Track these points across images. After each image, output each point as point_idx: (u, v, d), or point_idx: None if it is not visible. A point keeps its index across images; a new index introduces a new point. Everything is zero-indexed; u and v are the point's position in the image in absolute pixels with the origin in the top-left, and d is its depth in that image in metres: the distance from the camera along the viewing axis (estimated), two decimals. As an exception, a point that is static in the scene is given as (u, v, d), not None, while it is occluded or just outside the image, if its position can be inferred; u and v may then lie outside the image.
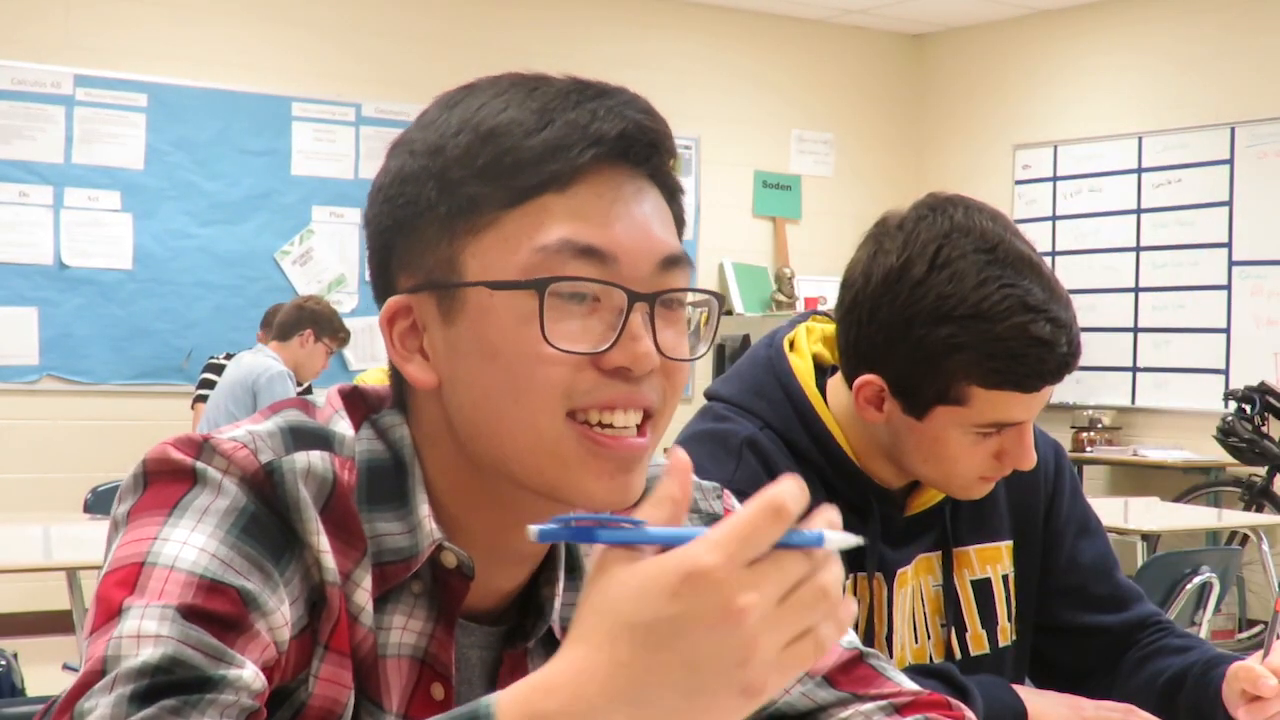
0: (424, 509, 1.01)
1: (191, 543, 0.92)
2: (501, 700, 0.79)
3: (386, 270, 1.03)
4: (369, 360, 7.33)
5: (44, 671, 4.49)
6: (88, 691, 0.85)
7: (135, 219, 7.02)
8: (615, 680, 0.76)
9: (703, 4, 8.56)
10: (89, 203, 6.93)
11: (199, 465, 0.96)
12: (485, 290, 0.97)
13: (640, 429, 0.99)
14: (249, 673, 0.89)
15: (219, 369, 6.51)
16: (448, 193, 0.99)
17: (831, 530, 0.77)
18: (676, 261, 1.01)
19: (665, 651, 0.75)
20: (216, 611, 0.90)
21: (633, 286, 0.97)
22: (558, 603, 1.08)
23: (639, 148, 1.00)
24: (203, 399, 6.50)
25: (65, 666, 4.63)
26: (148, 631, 0.87)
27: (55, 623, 5.75)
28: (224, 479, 0.95)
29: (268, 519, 0.96)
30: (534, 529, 0.80)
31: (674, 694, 0.76)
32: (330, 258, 7.51)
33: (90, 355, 6.96)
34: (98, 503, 4.95)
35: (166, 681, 0.85)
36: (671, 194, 1.04)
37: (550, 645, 1.08)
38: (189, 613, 0.89)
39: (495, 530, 1.03)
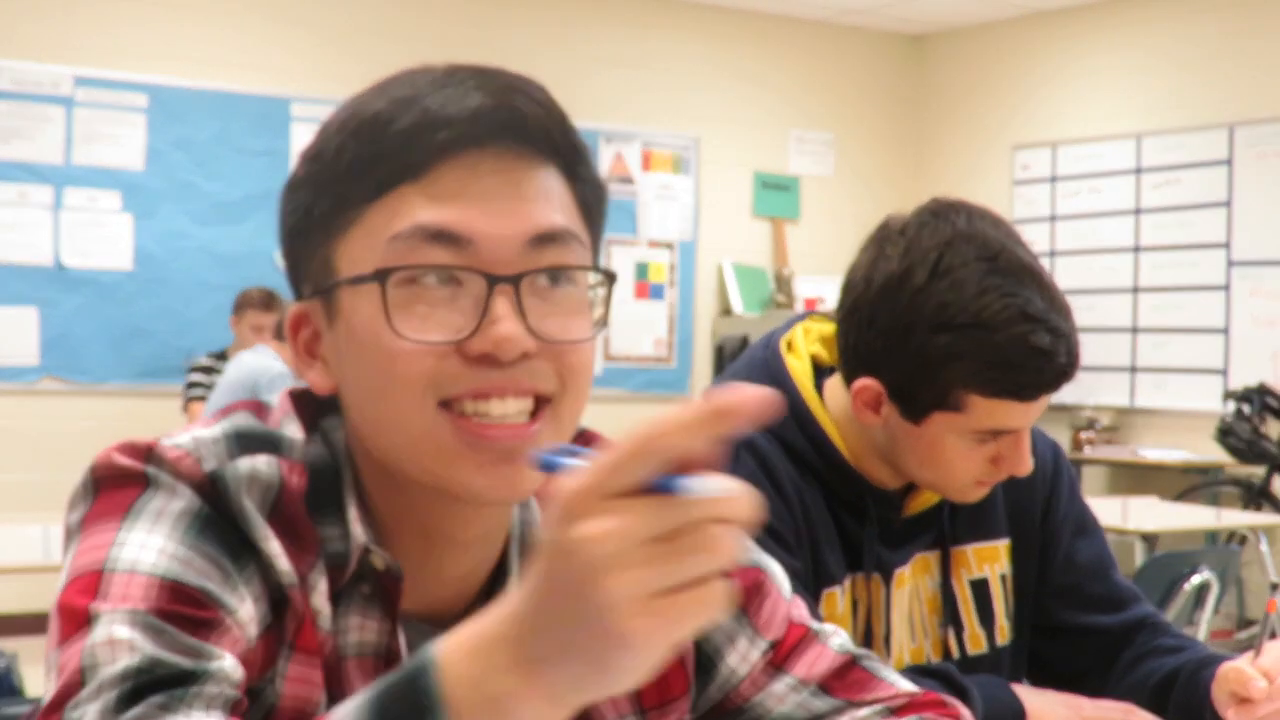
0: (352, 513, 1.00)
1: (150, 545, 0.92)
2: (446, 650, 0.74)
3: (295, 281, 1.03)
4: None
5: (43, 672, 4.48)
6: (71, 701, 0.85)
7: (135, 219, 7.02)
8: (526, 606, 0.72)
9: (703, 4, 8.56)
10: (89, 203, 6.93)
11: (149, 469, 0.95)
12: (349, 288, 0.96)
13: (534, 416, 0.96)
14: (229, 663, 0.89)
15: (206, 369, 6.52)
16: (322, 194, 0.98)
17: (708, 479, 0.69)
18: (553, 239, 0.96)
19: (550, 581, 0.70)
20: (185, 612, 0.90)
21: (493, 269, 0.94)
22: None
23: (493, 127, 0.95)
24: (196, 399, 6.50)
25: (65, 666, 4.62)
26: (120, 636, 0.87)
27: (55, 623, 5.75)
28: (176, 482, 0.95)
29: (221, 521, 0.95)
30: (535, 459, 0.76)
31: (563, 629, 0.70)
32: (330, 258, 7.51)
33: (90, 355, 6.96)
34: (98, 503, 4.94)
35: (151, 680, 0.85)
36: (572, 174, 1.00)
37: None
38: (159, 615, 0.89)
39: (422, 519, 1.01)
